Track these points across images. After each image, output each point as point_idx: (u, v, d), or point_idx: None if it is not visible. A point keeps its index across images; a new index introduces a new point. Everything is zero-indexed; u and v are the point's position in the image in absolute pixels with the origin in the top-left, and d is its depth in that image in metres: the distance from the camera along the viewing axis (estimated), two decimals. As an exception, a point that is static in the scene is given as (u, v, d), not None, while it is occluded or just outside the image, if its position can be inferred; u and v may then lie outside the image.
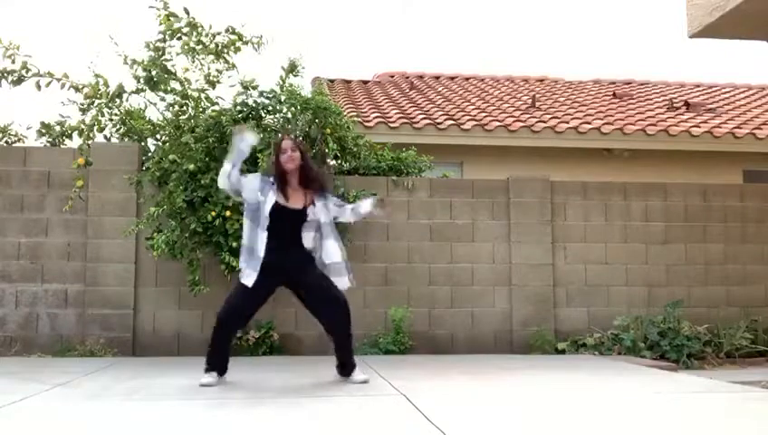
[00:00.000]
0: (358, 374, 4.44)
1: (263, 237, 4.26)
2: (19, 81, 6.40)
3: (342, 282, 4.41)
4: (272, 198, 4.29)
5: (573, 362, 6.00)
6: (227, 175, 4.29)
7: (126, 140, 6.86)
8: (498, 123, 9.57)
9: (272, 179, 4.38)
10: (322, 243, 4.41)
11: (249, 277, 4.26)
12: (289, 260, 4.32)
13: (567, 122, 9.89)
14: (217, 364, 4.42)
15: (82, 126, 6.57)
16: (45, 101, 6.71)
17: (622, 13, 37.08)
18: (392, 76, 13.63)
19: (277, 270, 4.28)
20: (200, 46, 6.48)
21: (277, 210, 4.28)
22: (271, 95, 6.53)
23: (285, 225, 4.30)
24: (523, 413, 3.58)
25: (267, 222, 4.25)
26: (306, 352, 6.48)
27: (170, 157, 6.16)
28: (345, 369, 4.48)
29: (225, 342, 4.46)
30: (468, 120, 9.69)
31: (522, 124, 9.60)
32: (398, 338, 6.45)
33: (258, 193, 4.32)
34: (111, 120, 6.76)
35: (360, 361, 5.34)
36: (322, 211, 4.40)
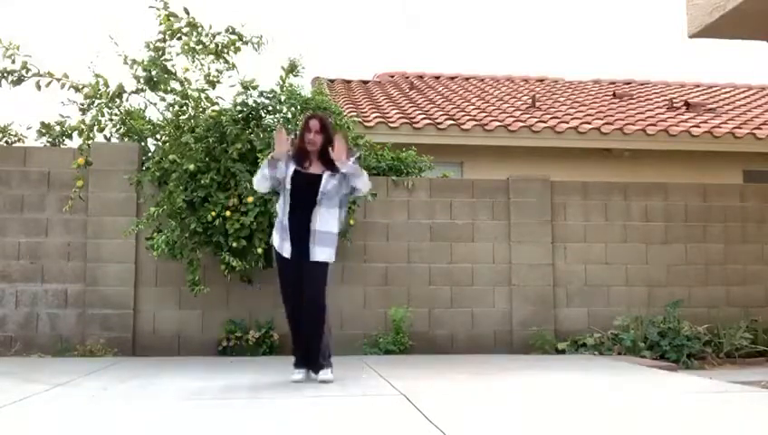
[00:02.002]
0: (323, 374, 4.45)
1: (287, 209, 4.45)
2: (19, 81, 6.39)
3: (326, 252, 4.42)
4: (291, 167, 4.46)
5: (573, 362, 6.00)
6: (266, 177, 4.49)
7: (126, 140, 6.86)
8: (498, 123, 9.57)
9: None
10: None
11: (282, 249, 4.43)
12: (301, 233, 4.41)
13: (567, 122, 9.89)
14: (300, 355, 4.56)
15: (82, 126, 6.57)
16: (45, 101, 6.72)
17: (622, 13, 37.10)
18: (392, 76, 13.63)
19: (296, 239, 4.41)
20: (200, 46, 6.48)
21: (296, 176, 4.44)
22: (271, 95, 6.53)
23: (304, 191, 4.41)
24: (523, 413, 3.57)
25: (289, 187, 4.41)
26: (306, 352, 6.47)
27: (170, 157, 6.15)
28: (311, 364, 4.53)
29: (297, 325, 4.55)
30: (468, 120, 9.68)
31: (522, 124, 9.60)
32: (397, 338, 6.45)
33: (284, 167, 4.47)
34: (111, 120, 6.76)
35: (360, 361, 5.36)
36: (335, 185, 4.45)
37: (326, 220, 4.42)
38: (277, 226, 4.55)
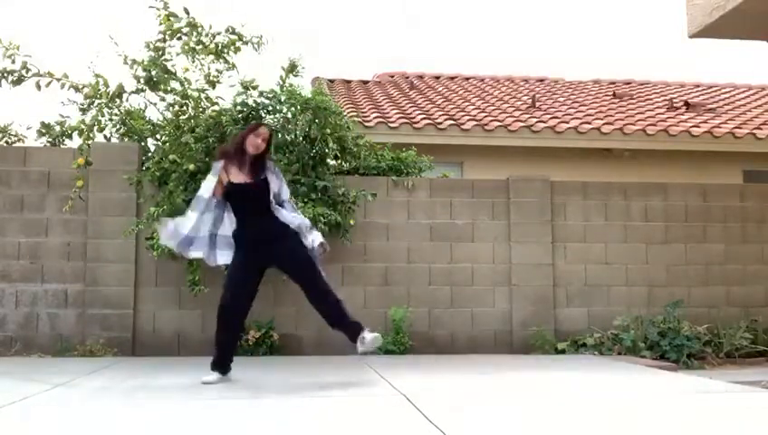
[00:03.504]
0: (367, 333, 4.36)
1: (227, 220, 4.48)
2: (19, 81, 6.40)
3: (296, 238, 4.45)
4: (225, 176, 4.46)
5: (573, 361, 6.00)
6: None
7: (126, 140, 6.86)
8: (498, 123, 9.57)
9: (219, 164, 4.50)
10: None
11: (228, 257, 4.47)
12: (260, 235, 4.43)
13: (567, 122, 9.89)
14: (221, 362, 4.51)
15: (82, 126, 6.57)
16: (45, 101, 6.71)
17: (622, 13, 37.09)
18: (392, 76, 13.63)
19: (253, 246, 4.41)
20: (200, 46, 6.48)
21: (237, 188, 4.44)
22: (271, 95, 6.53)
23: (250, 200, 4.44)
24: (523, 413, 3.57)
25: (230, 200, 4.47)
26: (306, 352, 6.48)
27: (170, 157, 6.16)
28: (351, 333, 4.42)
29: (228, 333, 4.56)
30: (468, 120, 9.69)
31: (522, 124, 9.60)
32: (398, 338, 6.45)
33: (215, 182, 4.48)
34: (111, 120, 6.76)
35: (360, 360, 5.36)
36: (275, 184, 4.50)
37: (283, 219, 4.43)
38: (224, 241, 4.48)
